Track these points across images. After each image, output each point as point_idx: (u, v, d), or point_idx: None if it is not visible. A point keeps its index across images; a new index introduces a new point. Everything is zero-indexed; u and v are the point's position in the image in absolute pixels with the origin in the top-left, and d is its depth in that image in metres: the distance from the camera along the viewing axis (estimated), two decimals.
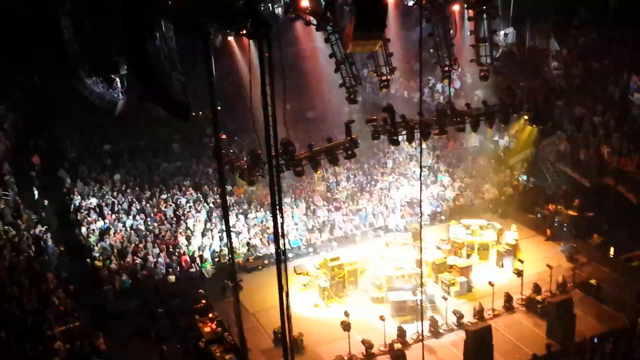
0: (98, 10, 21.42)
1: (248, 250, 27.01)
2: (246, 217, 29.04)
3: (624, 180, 26.65)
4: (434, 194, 31.39)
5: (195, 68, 15.96)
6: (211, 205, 29.99)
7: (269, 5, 21.46)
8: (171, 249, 26.60)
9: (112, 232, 27.25)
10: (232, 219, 27.72)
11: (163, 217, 28.77)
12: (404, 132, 23.15)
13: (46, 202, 29.10)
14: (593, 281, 23.22)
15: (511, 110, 25.19)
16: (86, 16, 21.73)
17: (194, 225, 28.22)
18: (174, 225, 28.25)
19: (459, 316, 21.85)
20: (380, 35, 17.21)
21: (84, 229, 27.33)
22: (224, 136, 22.30)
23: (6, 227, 23.91)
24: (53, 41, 21.16)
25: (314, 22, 21.24)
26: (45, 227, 26.43)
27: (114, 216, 28.60)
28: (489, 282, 22.52)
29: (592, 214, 27.59)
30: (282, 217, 14.53)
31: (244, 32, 14.11)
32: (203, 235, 27.72)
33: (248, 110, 14.28)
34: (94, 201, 29.56)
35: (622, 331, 20.48)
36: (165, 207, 29.64)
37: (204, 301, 23.23)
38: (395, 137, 23.02)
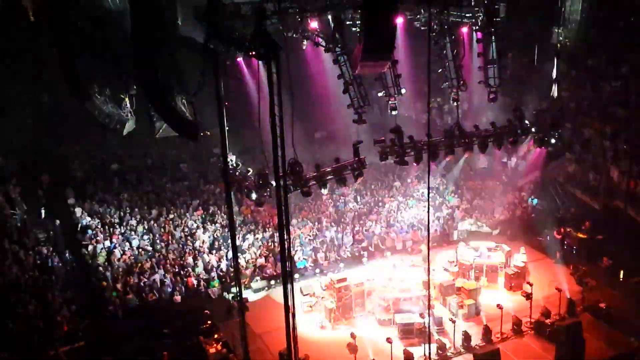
0: (108, 31, 21.63)
1: (254, 271, 26.90)
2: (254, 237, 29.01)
3: (634, 203, 26.51)
4: (442, 216, 31.28)
5: (204, 88, 16.04)
6: (218, 225, 29.94)
7: (278, 26, 21.58)
8: (177, 269, 26.53)
9: (118, 251, 27.19)
10: (239, 239, 27.66)
11: (170, 237, 28.71)
12: (412, 153, 23.15)
13: (54, 221, 29.14)
14: (602, 305, 22.99)
15: (519, 132, 25.18)
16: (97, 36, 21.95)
17: (201, 245, 28.15)
18: (181, 245, 28.19)
19: (467, 339, 21.64)
20: (389, 57, 17.27)
21: (90, 249, 27.30)
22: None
23: (13, 246, 23.95)
24: (62, 60, 21.34)
25: (323, 43, 21.36)
26: (52, 246, 26.44)
27: (120, 236, 28.55)
28: (498, 305, 22.32)
29: (601, 237, 27.39)
30: (289, 237, 14.52)
31: (254, 53, 14.19)
32: (210, 255, 27.64)
33: (256, 131, 14.31)
34: (99, 220, 29.58)
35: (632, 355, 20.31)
36: (173, 227, 29.58)
37: (209, 322, 23.11)
38: (403, 158, 23.02)
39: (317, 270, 27.56)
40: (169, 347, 21.83)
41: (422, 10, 23.12)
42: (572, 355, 20.02)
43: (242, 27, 18.07)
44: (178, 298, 25.23)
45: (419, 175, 34.69)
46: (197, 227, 29.64)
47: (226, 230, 28.68)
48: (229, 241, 25.51)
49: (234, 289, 25.37)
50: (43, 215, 29.53)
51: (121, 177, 34.68)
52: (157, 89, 16.49)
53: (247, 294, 25.22)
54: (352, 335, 20.50)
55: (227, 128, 17.96)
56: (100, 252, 27.18)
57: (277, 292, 24.55)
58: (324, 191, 22.39)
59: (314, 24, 21.34)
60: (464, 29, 24.48)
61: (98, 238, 28.08)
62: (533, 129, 25.64)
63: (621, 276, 25.41)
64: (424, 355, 20.65)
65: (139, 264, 26.47)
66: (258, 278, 26.70)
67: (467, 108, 36.21)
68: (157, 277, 25.76)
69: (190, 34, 19.26)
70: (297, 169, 20.06)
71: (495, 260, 26.08)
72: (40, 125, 34.17)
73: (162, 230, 29.27)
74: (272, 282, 26.43)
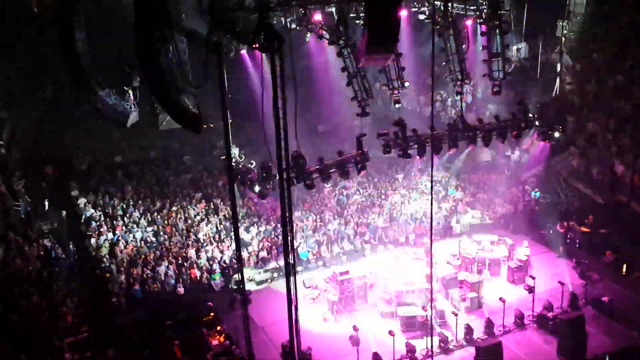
0: (112, 23, 21.63)
1: (257, 263, 26.97)
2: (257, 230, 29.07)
3: (638, 197, 26.48)
4: (445, 209, 31.29)
5: (208, 81, 16.01)
6: (221, 217, 30.01)
7: (282, 18, 21.57)
8: (180, 261, 26.61)
9: (122, 243, 27.29)
10: (242, 231, 27.71)
11: (173, 229, 28.79)
12: (415, 146, 23.14)
13: (57, 213, 29.22)
14: (605, 298, 22.99)
15: (523, 125, 25.14)
16: (100, 29, 21.95)
17: (204, 237, 28.22)
18: (184, 237, 28.27)
19: (469, 332, 21.67)
20: (393, 50, 17.22)
21: (93, 241, 27.40)
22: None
23: (17, 237, 23.99)
24: (66, 53, 21.33)
25: (327, 36, 21.33)
26: (55, 238, 26.51)
27: (124, 228, 28.65)
28: (500, 298, 22.34)
29: (605, 231, 27.37)
30: (292, 230, 14.52)
31: (257, 45, 14.16)
32: (213, 247, 27.70)
33: (260, 123, 14.30)
34: (103, 212, 29.68)
35: (635, 349, 20.33)
36: (176, 219, 29.66)
37: (212, 314, 23.17)
38: (406, 151, 23.02)
39: (320, 263, 27.61)
40: (173, 339, 21.93)
41: (426, 3, 23.09)
42: (575, 348, 20.04)
43: (245, 20, 18.05)
44: (181, 290, 25.30)
45: (422, 168, 34.68)
46: (201, 220, 29.71)
47: (229, 222, 28.76)
48: (232, 233, 25.56)
49: (234, 277, 25.49)
50: (47, 207, 29.61)
51: (125, 170, 34.75)
52: (160, 82, 16.46)
53: (249, 286, 25.30)
54: (355, 328, 20.54)
55: (230, 121, 17.96)
56: (104, 243, 27.28)
57: (280, 285, 24.61)
58: (327, 185, 22.44)
59: (317, 17, 21.33)
60: (468, 22, 24.43)
61: (102, 230, 28.19)
62: (537, 123, 25.60)
63: (624, 270, 25.41)
64: (426, 348, 20.71)
65: (143, 256, 26.58)
66: (261, 270, 26.76)
67: (470, 101, 36.19)
68: (161, 269, 25.82)
69: (194, 27, 19.24)
70: (300, 161, 20.08)
71: (498, 254, 26.11)
72: (44, 117, 34.23)
73: (166, 222, 29.36)
74: (275, 274, 26.47)
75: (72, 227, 29.39)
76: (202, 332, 22.10)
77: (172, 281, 25.48)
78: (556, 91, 32.12)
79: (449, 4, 23.17)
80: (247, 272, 25.89)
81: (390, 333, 20.26)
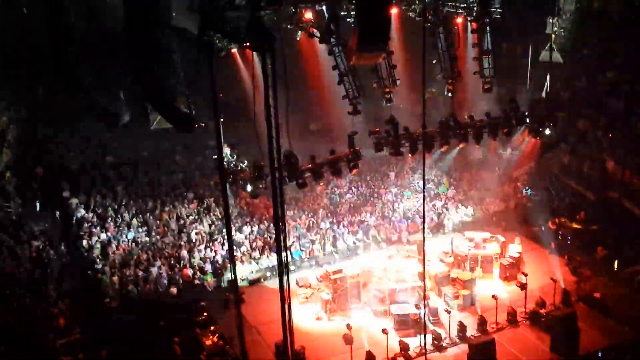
0: (104, 23, 21.51)
1: (250, 262, 26.92)
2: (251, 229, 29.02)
3: (629, 193, 26.59)
4: (437, 207, 31.33)
5: (199, 80, 15.97)
6: (214, 217, 29.93)
7: (273, 17, 21.51)
8: (173, 262, 26.52)
9: (114, 244, 27.17)
10: (234, 231, 27.65)
11: (165, 230, 28.69)
12: (407, 144, 23.15)
13: (48, 214, 29.06)
14: (597, 295, 23.09)
15: (514, 123, 25.19)
16: (91, 29, 21.82)
17: (196, 237, 28.14)
18: (176, 238, 28.17)
19: (462, 330, 21.71)
20: (384, 48, 17.23)
21: (85, 242, 27.26)
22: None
23: (8, 239, 23.88)
24: (57, 53, 21.23)
25: (318, 34, 21.29)
26: (47, 239, 26.38)
27: (116, 229, 28.52)
28: (493, 296, 22.40)
29: (596, 227, 27.47)
30: (284, 229, 14.52)
31: (248, 44, 14.13)
32: (205, 247, 27.64)
33: (251, 122, 14.27)
34: (95, 213, 29.54)
35: (627, 345, 20.43)
36: (168, 219, 29.55)
37: (205, 314, 23.12)
38: (398, 149, 23.02)
39: (313, 262, 27.59)
40: (168, 339, 21.87)
41: (416, 1, 23.06)
42: (567, 345, 20.13)
43: (236, 18, 18.01)
44: (174, 290, 25.23)
45: (414, 166, 34.71)
46: (193, 220, 29.62)
47: (222, 222, 28.68)
48: (225, 233, 25.49)
49: (227, 277, 25.45)
50: (38, 208, 29.46)
51: (116, 170, 34.58)
52: (152, 82, 16.41)
53: (242, 285, 25.25)
54: (348, 327, 20.55)
55: (221, 120, 17.93)
56: (96, 244, 27.15)
57: (273, 284, 24.58)
58: (320, 184, 22.39)
59: (308, 15, 21.27)
60: (459, 20, 24.44)
61: (93, 231, 28.05)
62: (528, 120, 25.66)
63: (616, 266, 25.51)
64: (420, 346, 20.75)
65: (135, 257, 26.47)
66: (254, 270, 26.71)
67: (461, 99, 36.21)
68: (154, 269, 25.72)
69: (185, 26, 19.17)
70: (292, 160, 20.06)
71: (490, 251, 26.17)
72: (35, 117, 34.04)
73: (158, 222, 29.25)
74: (268, 273, 26.44)
75: (64, 228, 29.25)
76: (196, 332, 22.05)
77: (165, 281, 25.41)
78: (547, 88, 32.17)
79: (440, 2, 23.18)
80: (240, 272, 25.83)
81: (384, 331, 20.29)
